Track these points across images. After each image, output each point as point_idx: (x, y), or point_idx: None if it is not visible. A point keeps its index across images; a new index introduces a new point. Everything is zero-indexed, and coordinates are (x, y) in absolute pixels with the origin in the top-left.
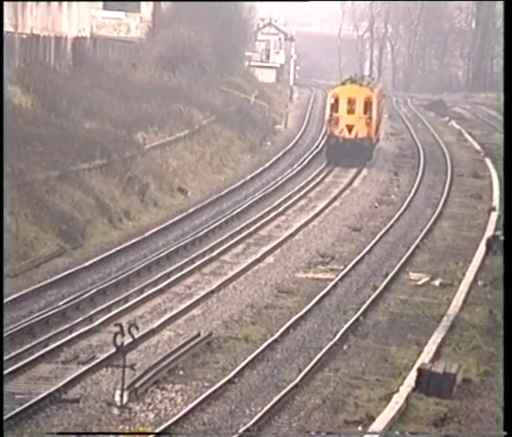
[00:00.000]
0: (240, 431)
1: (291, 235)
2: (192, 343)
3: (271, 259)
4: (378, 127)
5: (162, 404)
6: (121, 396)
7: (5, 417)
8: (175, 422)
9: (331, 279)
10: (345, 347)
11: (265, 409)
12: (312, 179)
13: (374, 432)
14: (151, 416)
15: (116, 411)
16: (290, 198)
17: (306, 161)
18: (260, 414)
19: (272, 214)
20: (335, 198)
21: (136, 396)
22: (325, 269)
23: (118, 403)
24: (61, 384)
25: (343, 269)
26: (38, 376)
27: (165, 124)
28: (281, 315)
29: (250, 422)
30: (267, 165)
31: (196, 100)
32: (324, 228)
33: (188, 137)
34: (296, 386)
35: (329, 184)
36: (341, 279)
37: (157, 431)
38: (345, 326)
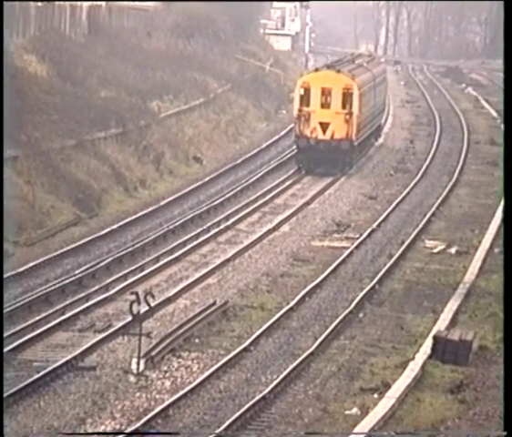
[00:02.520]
0: (257, 398)
1: (307, 203)
2: (208, 312)
3: (286, 227)
4: (363, 125)
5: (178, 372)
6: (138, 364)
7: (22, 384)
8: (191, 390)
9: (346, 248)
10: (361, 315)
11: (281, 376)
12: None
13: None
14: (168, 384)
15: (132, 378)
16: None
17: None
18: (276, 382)
19: (288, 182)
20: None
21: (152, 364)
22: (341, 237)
23: (135, 371)
24: (78, 352)
25: (358, 238)
26: (55, 344)
27: (180, 92)
28: (296, 283)
29: (266, 390)
30: (282, 133)
31: (211, 68)
32: (340, 197)
33: (203, 106)
34: (312, 354)
35: None
36: (356, 248)
37: (173, 399)
38: (361, 294)
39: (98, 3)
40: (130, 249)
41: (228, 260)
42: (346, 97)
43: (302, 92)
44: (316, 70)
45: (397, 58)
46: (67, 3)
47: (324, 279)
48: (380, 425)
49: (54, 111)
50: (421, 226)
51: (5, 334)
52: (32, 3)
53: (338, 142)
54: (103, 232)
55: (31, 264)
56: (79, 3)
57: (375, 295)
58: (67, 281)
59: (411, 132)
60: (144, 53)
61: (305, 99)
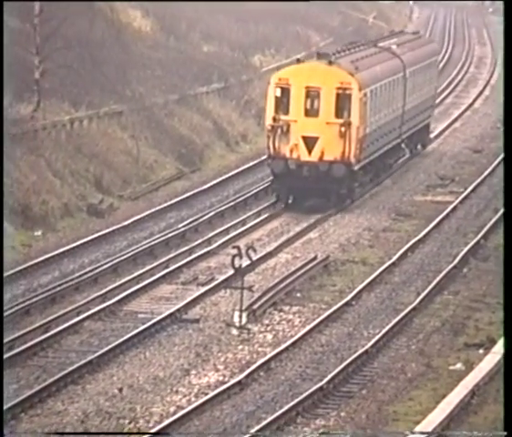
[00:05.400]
0: (359, 352)
1: (410, 158)
2: (309, 266)
3: (388, 181)
4: (373, 139)
5: (280, 326)
6: (240, 317)
7: (128, 335)
8: (293, 343)
9: (450, 202)
10: (465, 270)
11: (383, 331)
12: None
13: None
14: (269, 337)
15: (235, 331)
16: None
17: None
18: (378, 336)
19: None
20: (455, 120)
21: (254, 317)
22: (444, 191)
23: (237, 324)
24: (181, 304)
25: (462, 192)
26: (159, 296)
27: (282, 46)
28: (398, 238)
29: (369, 344)
30: None
31: (313, 22)
32: (444, 151)
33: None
34: (414, 309)
35: (449, 105)
36: (461, 202)
37: (275, 352)
38: (465, 249)
39: None
40: (232, 204)
41: (329, 215)
42: (342, 101)
43: (278, 93)
44: (299, 61)
45: None
46: None
47: (427, 233)
48: (485, 381)
49: (157, 66)
50: None
51: (112, 286)
52: None
53: (329, 165)
54: (205, 186)
55: (136, 218)
56: None
57: (480, 250)
58: (171, 235)
59: None
60: (246, 7)
61: (283, 104)
